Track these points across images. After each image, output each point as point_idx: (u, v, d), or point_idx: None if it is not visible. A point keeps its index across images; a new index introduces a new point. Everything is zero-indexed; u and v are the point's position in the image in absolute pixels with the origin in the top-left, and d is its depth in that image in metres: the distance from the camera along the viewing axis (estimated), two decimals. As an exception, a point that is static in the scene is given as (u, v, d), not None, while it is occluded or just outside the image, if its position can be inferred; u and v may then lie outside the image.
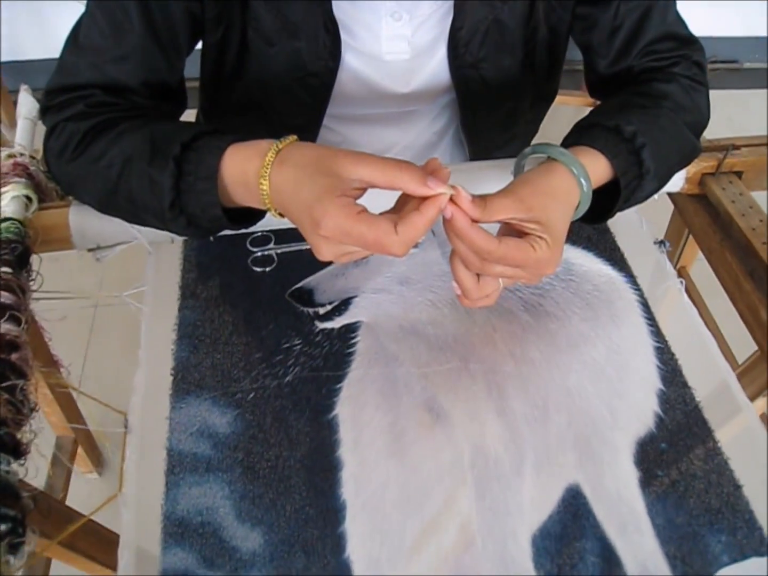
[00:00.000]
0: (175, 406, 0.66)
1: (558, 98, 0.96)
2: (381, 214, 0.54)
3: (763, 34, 2.57)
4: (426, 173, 0.53)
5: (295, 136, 0.58)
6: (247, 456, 0.62)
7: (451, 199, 0.53)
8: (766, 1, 2.34)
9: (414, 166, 0.53)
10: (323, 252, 0.55)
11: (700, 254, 0.94)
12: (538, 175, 0.61)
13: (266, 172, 0.56)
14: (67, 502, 1.24)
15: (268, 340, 0.70)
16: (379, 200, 0.56)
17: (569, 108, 2.32)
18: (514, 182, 0.60)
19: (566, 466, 0.62)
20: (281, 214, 0.59)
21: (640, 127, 0.66)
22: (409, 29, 0.77)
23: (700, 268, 1.06)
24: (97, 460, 1.47)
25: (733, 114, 2.38)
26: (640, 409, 0.66)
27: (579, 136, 0.67)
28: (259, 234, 0.80)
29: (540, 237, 0.57)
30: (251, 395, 0.66)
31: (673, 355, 0.70)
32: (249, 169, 0.58)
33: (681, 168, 0.77)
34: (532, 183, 0.60)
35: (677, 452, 0.63)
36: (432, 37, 0.79)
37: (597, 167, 0.64)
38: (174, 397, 0.67)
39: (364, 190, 0.55)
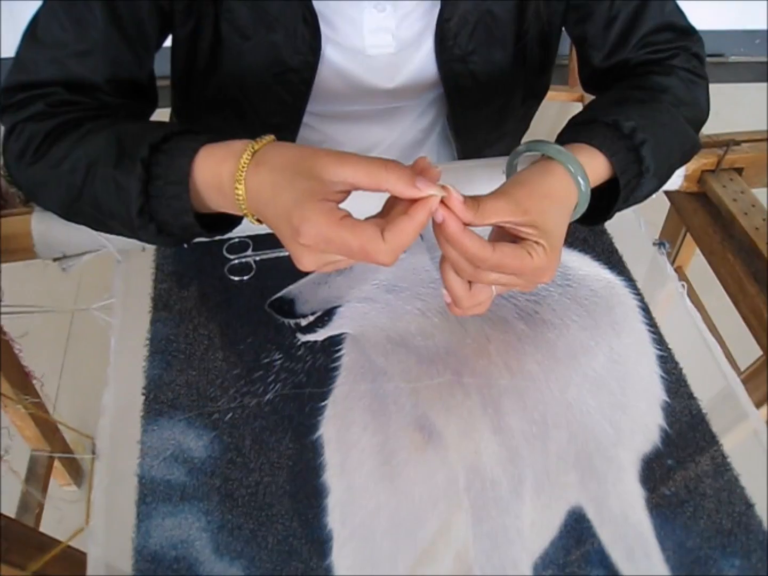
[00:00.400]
0: (147, 429, 0.61)
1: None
2: (367, 219, 0.49)
3: (750, 27, 2.55)
4: (414, 173, 0.48)
5: (272, 136, 0.54)
6: (225, 482, 0.58)
7: (442, 201, 0.49)
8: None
9: (401, 166, 0.48)
10: (304, 262, 0.50)
11: (695, 253, 0.91)
12: (534, 175, 0.57)
13: (241, 176, 0.51)
14: (45, 518, 1.20)
15: (246, 355, 0.66)
16: (365, 204, 0.52)
17: (555, 103, 2.29)
18: (507, 183, 0.56)
19: (568, 486, 0.58)
20: (259, 220, 0.54)
21: (639, 122, 0.62)
22: (393, 21, 0.73)
23: (695, 266, 1.03)
24: (76, 472, 1.42)
25: (719, 108, 2.35)
26: (644, 423, 0.62)
27: (575, 132, 0.63)
28: (236, 240, 0.75)
29: (537, 243, 0.53)
30: (229, 415, 0.62)
31: (677, 363, 0.66)
32: (223, 172, 0.53)
33: (681, 165, 0.73)
34: (528, 184, 0.56)
35: (685, 469, 0.59)
36: (418, 29, 0.75)
37: (595, 165, 0.60)
38: (145, 418, 0.62)
39: (348, 193, 0.50)
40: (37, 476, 1.28)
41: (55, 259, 0.75)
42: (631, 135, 0.61)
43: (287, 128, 0.80)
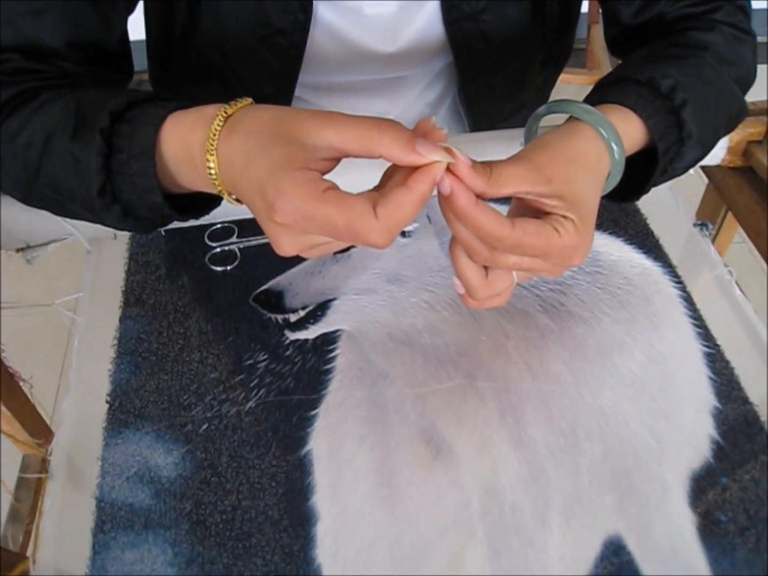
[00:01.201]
0: (110, 443, 0.53)
1: (560, 76, 0.83)
2: (360, 193, 0.40)
3: (764, 6, 2.43)
4: (415, 135, 0.39)
5: (249, 99, 0.45)
6: (197, 507, 0.49)
7: (449, 169, 0.40)
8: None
9: (398, 126, 0.39)
10: (282, 244, 0.42)
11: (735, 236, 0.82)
12: (559, 137, 0.47)
13: (213, 145, 0.43)
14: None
15: (226, 357, 0.57)
16: (361, 178, 0.43)
17: (573, 87, 2.19)
18: (527, 147, 0.47)
19: (603, 511, 0.49)
20: (239, 200, 0.45)
21: (679, 80, 0.52)
22: (394, -25, 0.64)
23: (732, 251, 0.94)
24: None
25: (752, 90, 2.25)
26: (691, 433, 0.53)
27: (604, 92, 0.54)
28: (219, 226, 0.66)
29: (565, 217, 0.44)
30: (204, 427, 0.53)
31: (727, 362, 0.57)
32: (193, 142, 0.44)
33: (727, 132, 0.63)
34: (552, 147, 0.46)
35: (743, 489, 0.50)
36: (422, -17, 0.66)
37: (629, 129, 0.51)
38: (108, 430, 0.53)
39: (336, 161, 0.41)
40: (29, 483, 1.21)
41: (18, 250, 0.67)
42: (669, 95, 0.52)
43: (277, 100, 0.71)
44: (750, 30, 0.65)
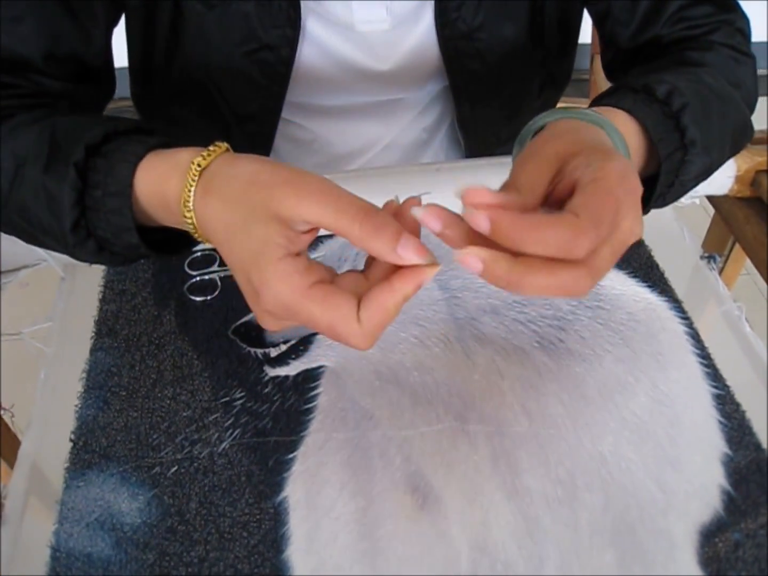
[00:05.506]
0: (71, 485, 0.49)
1: (563, 106, 0.80)
2: (346, 274, 0.38)
3: (763, 39, 2.42)
4: (399, 231, 0.35)
5: (225, 145, 0.42)
6: (161, 558, 0.45)
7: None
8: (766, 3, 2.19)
9: (380, 219, 0.36)
10: (266, 324, 0.40)
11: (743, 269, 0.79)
12: (566, 130, 0.41)
13: (189, 201, 0.41)
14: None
15: (201, 393, 0.53)
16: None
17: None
18: (531, 145, 0.41)
19: (604, 569, 0.44)
20: None
21: (676, 84, 0.49)
22: (388, -8, 0.62)
23: (740, 284, 0.90)
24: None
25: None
26: (700, 482, 0.48)
27: (598, 101, 0.51)
28: (200, 254, 0.63)
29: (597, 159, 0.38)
30: (173, 469, 0.49)
31: (738, 405, 0.53)
32: (168, 192, 0.42)
33: (736, 145, 0.58)
34: (566, 134, 0.41)
35: (757, 545, 0.45)
36: (416, 1, 0.63)
37: (628, 131, 0.46)
38: (70, 471, 0.49)
39: (316, 230, 0.39)
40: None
41: (-12, 275, 0.64)
42: (666, 99, 0.48)
43: (264, 120, 0.68)
44: (749, 52, 0.62)
